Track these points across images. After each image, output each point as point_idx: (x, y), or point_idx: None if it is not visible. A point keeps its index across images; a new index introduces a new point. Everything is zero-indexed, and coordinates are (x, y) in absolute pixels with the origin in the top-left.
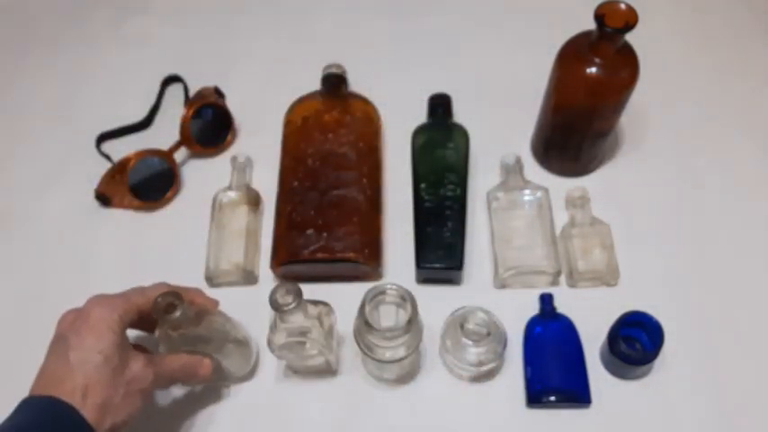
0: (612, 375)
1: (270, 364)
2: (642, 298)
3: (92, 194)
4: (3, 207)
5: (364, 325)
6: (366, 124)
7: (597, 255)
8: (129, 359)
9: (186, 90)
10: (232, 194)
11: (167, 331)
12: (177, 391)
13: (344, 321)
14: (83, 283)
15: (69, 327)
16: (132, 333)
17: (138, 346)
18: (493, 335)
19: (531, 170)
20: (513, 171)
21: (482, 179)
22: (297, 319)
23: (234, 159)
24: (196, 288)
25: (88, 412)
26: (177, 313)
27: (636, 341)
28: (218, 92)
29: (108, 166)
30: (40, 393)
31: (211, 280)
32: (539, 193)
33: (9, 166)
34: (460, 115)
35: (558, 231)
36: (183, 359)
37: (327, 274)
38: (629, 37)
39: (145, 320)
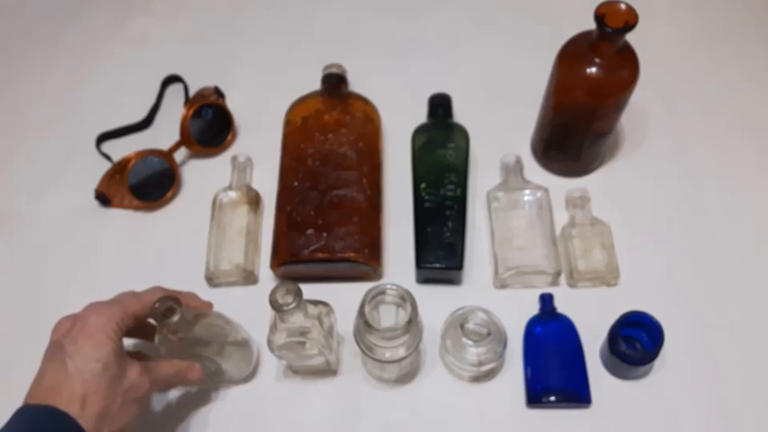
0: (612, 375)
1: (270, 364)
2: (642, 298)
3: (92, 194)
4: (3, 207)
5: (364, 325)
6: (366, 124)
7: (597, 255)
8: (127, 367)
9: (186, 90)
10: (232, 194)
11: (167, 335)
12: (176, 392)
13: (344, 321)
14: (83, 283)
15: (66, 334)
16: (128, 341)
17: (132, 354)
18: (493, 335)
19: (531, 170)
20: (513, 171)
21: (482, 179)
22: (297, 319)
23: (234, 159)
24: (190, 292)
25: (86, 421)
26: (176, 317)
27: (636, 341)
28: (218, 92)
29: (108, 166)
30: (36, 402)
31: (211, 280)
32: (539, 193)
33: (9, 166)
34: (460, 115)
35: (558, 231)
36: (176, 365)
37: (327, 274)
38: (629, 37)
39: (141, 328)
